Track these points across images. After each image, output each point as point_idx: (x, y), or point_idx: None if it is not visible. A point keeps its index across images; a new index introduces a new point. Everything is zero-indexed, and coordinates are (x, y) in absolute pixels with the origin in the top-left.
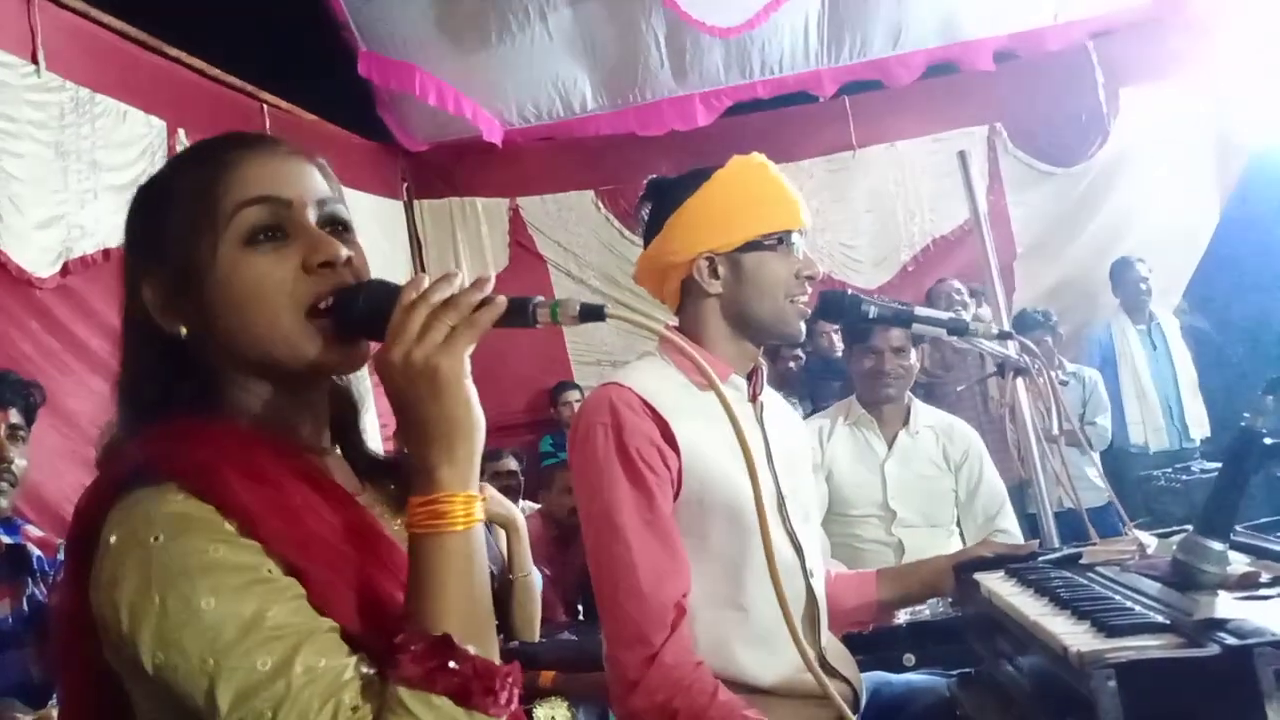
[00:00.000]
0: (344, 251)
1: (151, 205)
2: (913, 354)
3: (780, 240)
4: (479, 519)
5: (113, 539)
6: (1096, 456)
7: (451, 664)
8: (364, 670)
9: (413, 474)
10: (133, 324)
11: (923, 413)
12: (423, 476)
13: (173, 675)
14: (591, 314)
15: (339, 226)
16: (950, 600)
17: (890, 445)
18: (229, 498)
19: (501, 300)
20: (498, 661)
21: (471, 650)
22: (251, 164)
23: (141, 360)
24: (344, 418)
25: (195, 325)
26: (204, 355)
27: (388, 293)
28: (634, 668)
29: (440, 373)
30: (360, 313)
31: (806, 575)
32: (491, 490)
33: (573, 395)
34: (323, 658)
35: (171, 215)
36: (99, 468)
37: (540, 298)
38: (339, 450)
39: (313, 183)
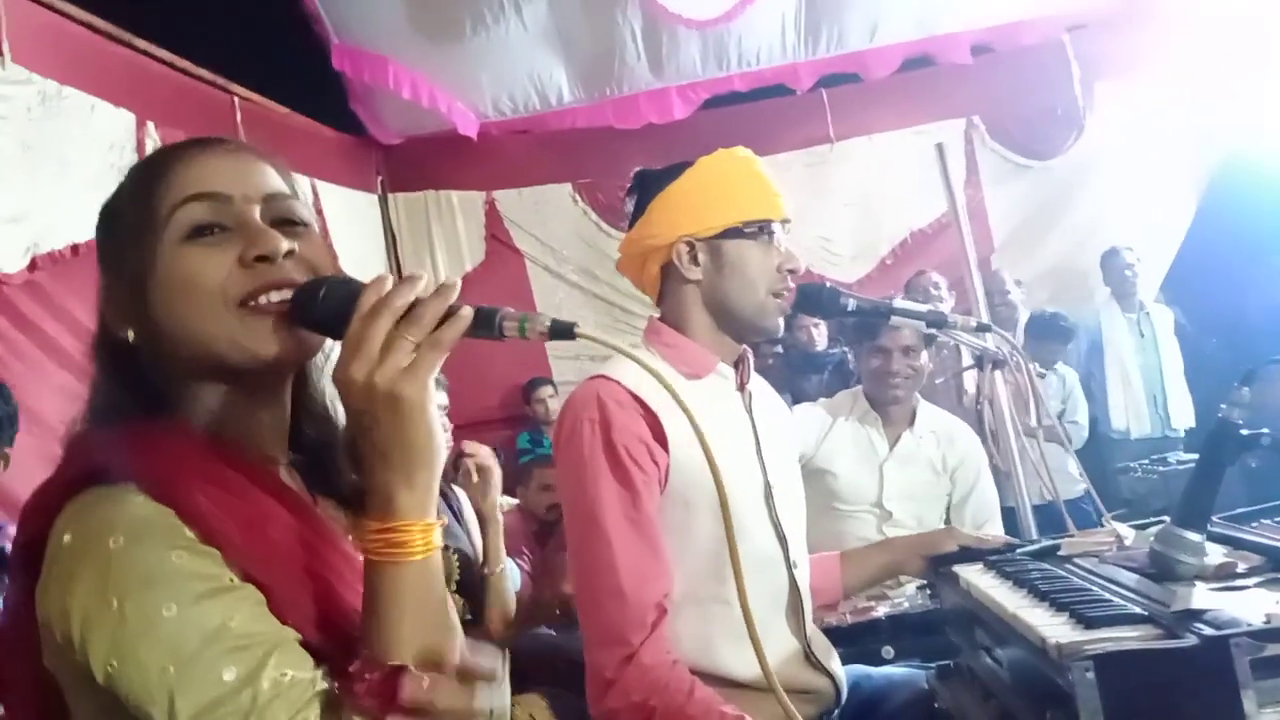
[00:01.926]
0: (284, 245)
1: (106, 220)
2: (924, 355)
3: (761, 229)
4: (437, 546)
5: (66, 539)
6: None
7: (399, 696)
8: (328, 684)
9: (368, 497)
10: (96, 335)
11: (929, 415)
12: (380, 502)
13: (127, 685)
14: (561, 332)
15: (291, 223)
16: (929, 592)
17: (892, 446)
18: (189, 504)
19: (467, 312)
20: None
21: (426, 681)
22: (191, 163)
23: (101, 368)
24: (315, 433)
25: (142, 328)
26: (155, 359)
27: (349, 293)
28: (611, 667)
29: (404, 400)
30: (321, 311)
31: (790, 566)
32: (494, 485)
33: (546, 391)
34: (290, 670)
35: (118, 223)
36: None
37: (508, 310)
38: (297, 457)
39: (260, 178)
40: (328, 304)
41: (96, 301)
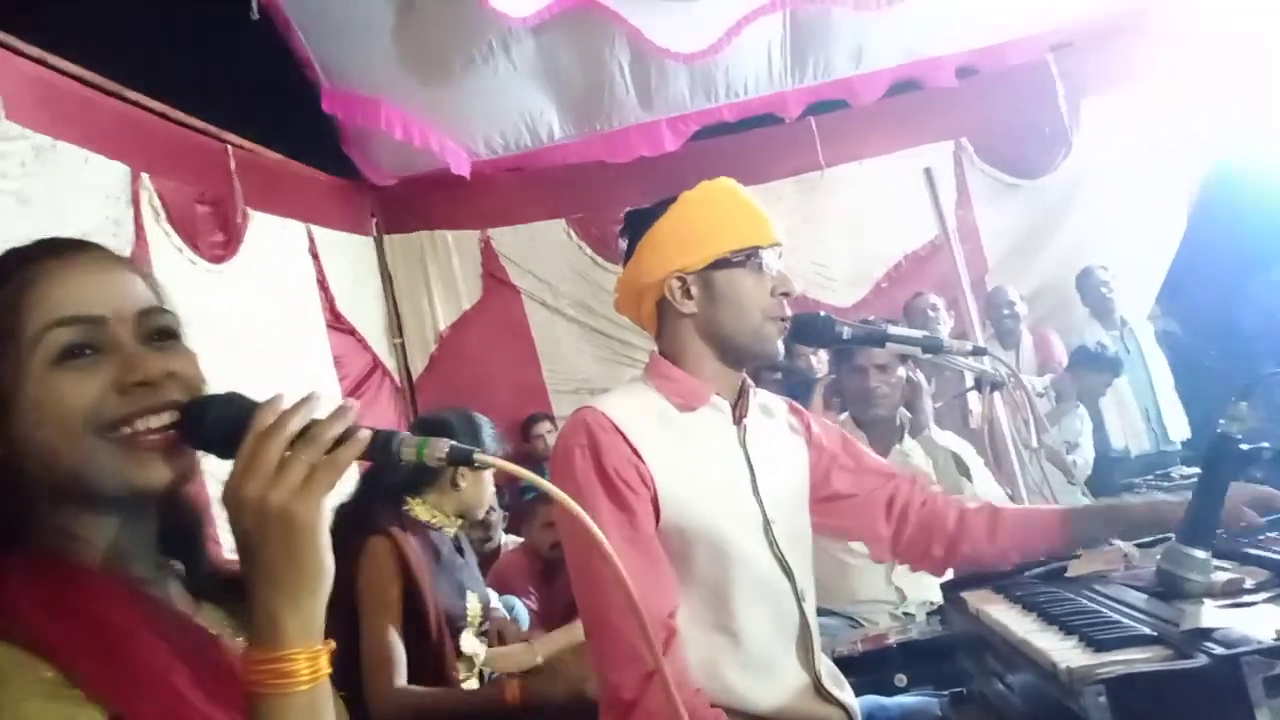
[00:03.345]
0: (160, 367)
1: None
2: (900, 370)
3: (749, 257)
4: (325, 672)
5: None
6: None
7: None
8: None
9: (251, 624)
10: None
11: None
12: (265, 628)
13: None
14: (460, 458)
15: (165, 337)
16: (939, 619)
17: None
18: (45, 643)
19: (364, 435)
20: None
21: None
22: (58, 280)
23: None
24: (184, 530)
25: (6, 448)
26: (17, 480)
27: (240, 411)
28: (630, 687)
29: (297, 521)
30: (211, 430)
31: (798, 599)
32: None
33: (544, 427)
34: None
35: None
36: None
37: (405, 435)
38: (174, 564)
39: (130, 294)
40: (218, 423)
41: None
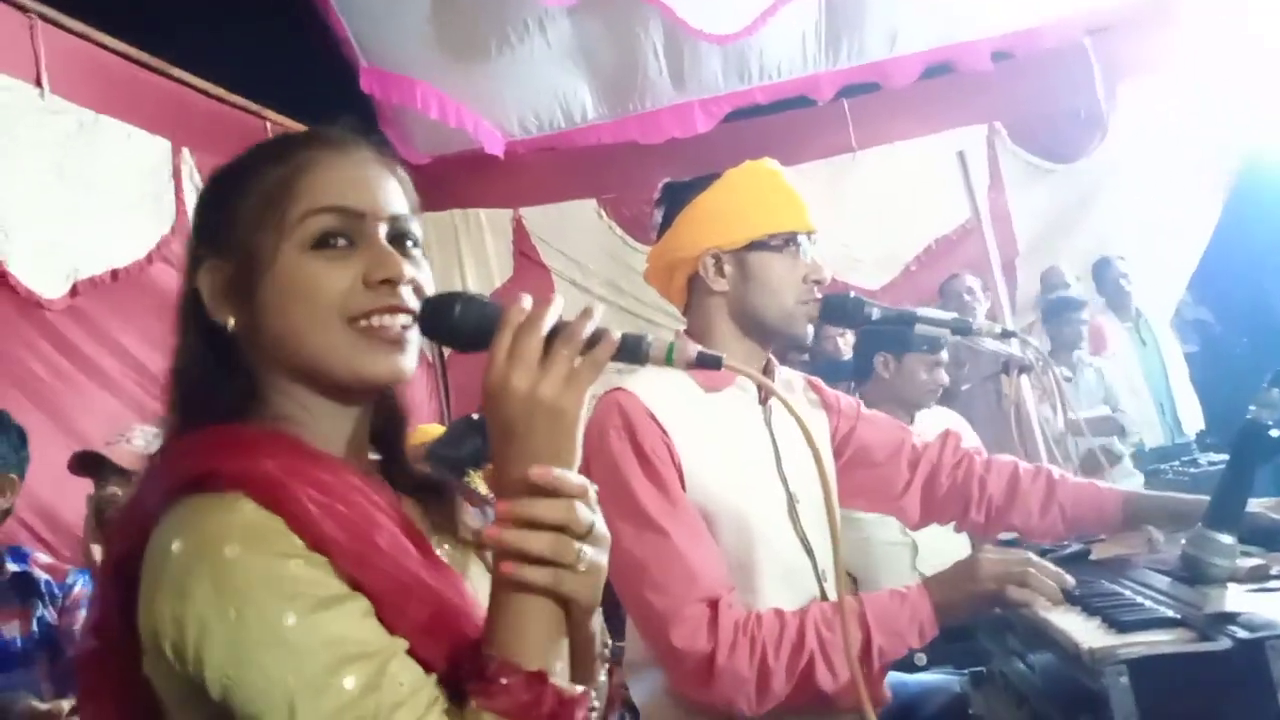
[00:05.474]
0: (409, 271)
1: (222, 194)
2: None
3: (786, 242)
4: None
5: (175, 547)
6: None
7: (543, 701)
8: (441, 692)
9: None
10: (184, 311)
11: (932, 416)
12: None
13: (243, 694)
14: (709, 362)
15: (409, 243)
16: None
17: None
18: (299, 512)
19: (615, 336)
20: (578, 688)
21: (559, 683)
22: (329, 167)
23: (189, 349)
24: (389, 428)
25: (244, 321)
26: (249, 353)
27: (484, 307)
28: (703, 635)
29: (566, 412)
30: (457, 322)
31: (819, 579)
32: None
33: None
34: (407, 678)
35: (240, 208)
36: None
37: (651, 336)
38: (374, 458)
39: (388, 195)
40: (465, 317)
41: (185, 274)
